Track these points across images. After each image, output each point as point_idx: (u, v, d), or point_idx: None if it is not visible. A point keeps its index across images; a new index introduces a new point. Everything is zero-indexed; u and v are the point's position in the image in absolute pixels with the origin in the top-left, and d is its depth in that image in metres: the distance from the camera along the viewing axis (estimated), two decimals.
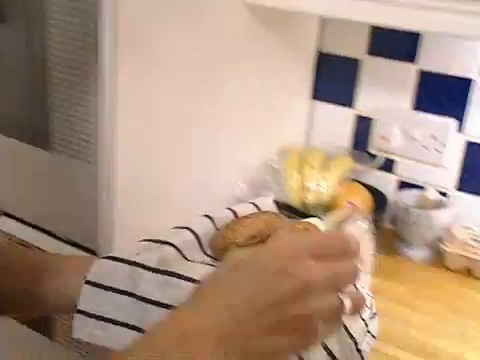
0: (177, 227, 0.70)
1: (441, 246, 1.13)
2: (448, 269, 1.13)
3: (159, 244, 0.66)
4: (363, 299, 0.54)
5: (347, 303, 0.50)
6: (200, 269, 0.63)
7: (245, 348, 0.46)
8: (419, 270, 1.14)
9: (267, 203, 0.78)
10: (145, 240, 0.68)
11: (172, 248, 0.66)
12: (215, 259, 0.69)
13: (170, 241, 0.66)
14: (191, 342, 0.45)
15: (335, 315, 0.50)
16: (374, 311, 0.67)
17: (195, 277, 0.61)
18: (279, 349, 0.47)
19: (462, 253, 1.10)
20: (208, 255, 0.70)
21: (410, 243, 1.16)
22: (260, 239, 0.66)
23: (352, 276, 0.51)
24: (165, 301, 0.60)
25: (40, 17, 0.87)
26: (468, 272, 1.11)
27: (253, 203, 0.77)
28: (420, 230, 1.13)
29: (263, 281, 0.47)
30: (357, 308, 0.52)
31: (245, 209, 0.74)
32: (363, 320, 0.64)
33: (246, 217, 0.70)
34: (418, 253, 1.16)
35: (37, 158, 0.97)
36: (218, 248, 0.68)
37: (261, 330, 0.46)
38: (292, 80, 1.27)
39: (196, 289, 0.51)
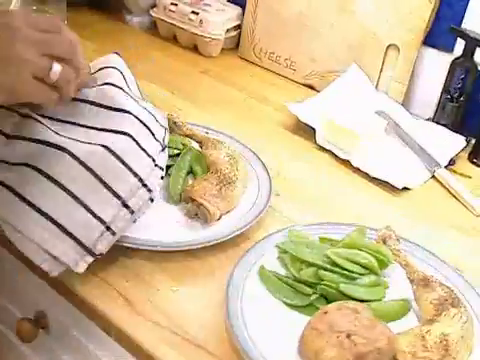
0: None
1: (150, 12, 1.23)
2: (160, 36, 1.25)
3: None
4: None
5: (56, 68, 0.62)
6: None
7: None
8: (134, 35, 1.26)
9: None
10: None
11: None
12: None
13: None
14: None
15: (43, 74, 0.62)
16: (165, 144, 0.73)
17: None
18: None
19: (167, 19, 1.21)
20: None
21: (131, 11, 1.27)
22: None
23: (65, 48, 0.64)
24: None
25: None
26: (195, 49, 1.23)
27: None
28: None
29: None
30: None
31: None
32: (150, 156, 0.68)
33: None
34: (137, 20, 1.27)
35: None
36: None
37: None
38: None
39: None
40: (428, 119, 1.02)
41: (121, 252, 0.71)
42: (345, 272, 0.68)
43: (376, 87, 1.06)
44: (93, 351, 0.75)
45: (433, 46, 1.01)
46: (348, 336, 0.57)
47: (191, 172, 0.85)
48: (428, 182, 0.92)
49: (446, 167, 0.93)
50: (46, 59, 0.62)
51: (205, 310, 0.66)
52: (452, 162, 0.95)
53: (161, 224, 0.75)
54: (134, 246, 0.70)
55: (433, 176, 0.92)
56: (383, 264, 0.70)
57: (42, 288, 0.73)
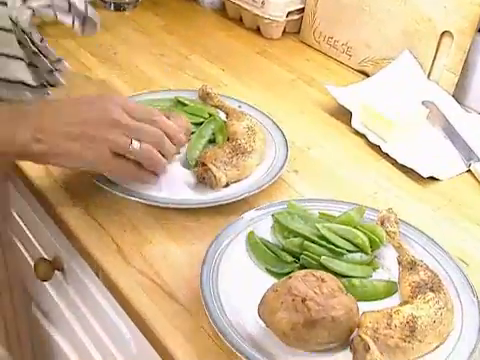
0: None
1: None
2: (228, 16, 1.28)
3: None
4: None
5: (136, 145, 0.69)
6: None
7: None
8: (204, 15, 1.30)
9: None
10: None
11: None
12: None
13: None
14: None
15: (123, 151, 0.69)
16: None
17: None
18: (72, 151, 0.67)
19: (233, 0, 1.24)
20: None
21: None
22: None
23: (151, 138, 0.71)
24: None
25: None
26: (258, 31, 1.25)
27: None
28: None
29: (88, 106, 0.69)
30: None
31: None
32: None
33: None
34: (209, 0, 1.32)
35: None
36: None
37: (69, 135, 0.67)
38: None
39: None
40: None
41: (124, 204, 0.75)
42: (332, 247, 0.67)
43: (428, 76, 1.02)
44: (95, 293, 0.81)
45: None
46: (303, 301, 0.56)
47: (214, 141, 0.87)
48: (462, 176, 0.87)
49: None
50: (126, 137, 0.68)
51: (188, 266, 0.68)
52: None
53: (170, 184, 0.78)
54: (134, 199, 0.74)
55: (469, 171, 0.88)
56: (376, 244, 0.69)
57: (57, 233, 0.80)
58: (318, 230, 0.68)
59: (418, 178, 0.85)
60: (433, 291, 0.60)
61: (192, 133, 0.85)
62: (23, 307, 1.20)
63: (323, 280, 0.59)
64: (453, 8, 0.97)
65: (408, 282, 0.62)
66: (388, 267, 0.68)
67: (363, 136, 0.93)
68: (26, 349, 1.30)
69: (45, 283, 0.92)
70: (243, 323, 0.60)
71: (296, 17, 1.22)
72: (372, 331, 0.57)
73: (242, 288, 0.64)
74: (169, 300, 0.64)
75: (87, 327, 0.89)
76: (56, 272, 0.86)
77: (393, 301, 0.64)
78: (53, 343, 1.06)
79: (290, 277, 0.59)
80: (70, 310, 0.91)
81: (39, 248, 0.95)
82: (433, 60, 1.01)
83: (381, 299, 0.64)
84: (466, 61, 0.97)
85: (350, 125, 0.95)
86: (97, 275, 0.70)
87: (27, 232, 1.01)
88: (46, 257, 0.88)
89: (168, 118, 0.77)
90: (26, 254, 1.05)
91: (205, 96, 0.93)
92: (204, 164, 0.78)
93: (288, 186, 0.82)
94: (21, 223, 1.03)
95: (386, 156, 0.89)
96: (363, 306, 0.61)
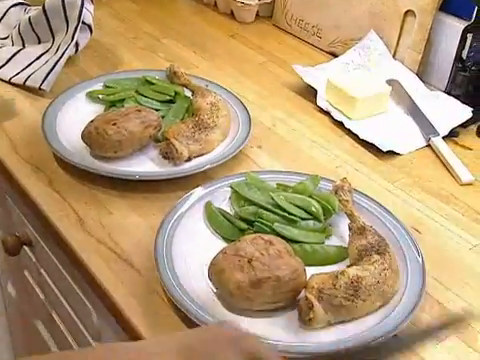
0: None
1: None
2: (203, 2, 1.30)
3: None
4: None
5: None
6: None
7: None
8: (179, 0, 1.32)
9: None
10: None
11: None
12: None
13: None
14: None
15: None
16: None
17: None
18: None
19: None
20: None
21: None
22: None
23: None
24: None
25: None
26: (232, 15, 1.27)
27: None
28: None
29: None
30: None
31: None
32: None
33: None
34: None
35: None
36: None
37: None
38: None
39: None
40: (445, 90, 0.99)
41: (86, 177, 0.77)
42: (286, 214, 0.69)
43: (394, 55, 1.04)
44: (60, 266, 0.83)
45: (451, 13, 0.97)
46: (249, 261, 0.58)
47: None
48: (421, 150, 0.89)
49: (447, 137, 0.90)
50: None
51: (147, 235, 0.70)
52: (455, 133, 0.91)
53: (134, 159, 0.80)
54: (96, 171, 0.76)
55: (429, 145, 0.90)
56: (329, 212, 0.71)
57: (23, 208, 0.81)
58: (273, 199, 0.70)
59: (378, 153, 0.87)
60: (379, 254, 0.62)
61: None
62: None
63: (271, 243, 0.61)
64: None
65: (356, 246, 0.64)
66: (341, 234, 0.70)
67: (328, 114, 0.95)
68: None
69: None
70: (195, 287, 0.62)
71: (269, 0, 1.24)
72: (317, 291, 0.59)
73: (196, 255, 0.66)
74: (126, 267, 0.66)
75: (55, 302, 0.90)
76: (25, 247, 0.88)
77: (344, 266, 0.66)
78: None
79: (239, 240, 0.61)
80: (38, 285, 0.93)
81: (7, 224, 0.97)
82: (398, 39, 1.03)
83: (332, 264, 0.66)
84: (428, 39, 0.99)
85: (316, 104, 0.97)
86: (59, 247, 0.71)
87: None
88: (15, 233, 0.90)
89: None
90: None
91: (172, 75, 0.94)
92: (167, 139, 0.80)
93: (251, 161, 0.84)
94: None
95: (349, 133, 0.91)
96: (315, 270, 0.63)
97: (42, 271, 0.89)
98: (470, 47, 0.92)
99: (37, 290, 0.94)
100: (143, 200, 0.76)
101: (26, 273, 0.96)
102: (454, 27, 0.97)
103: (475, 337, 0.61)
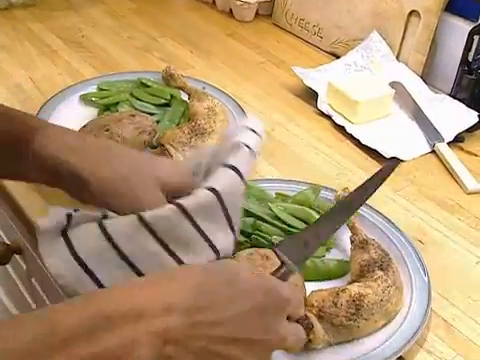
0: None
1: None
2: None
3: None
4: None
5: None
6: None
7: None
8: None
9: None
10: None
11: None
12: None
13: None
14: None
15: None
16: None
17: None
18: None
19: None
20: None
21: None
22: None
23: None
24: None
25: None
26: (231, 13, 1.23)
27: None
28: None
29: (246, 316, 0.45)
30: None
31: None
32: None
33: None
34: None
35: None
36: None
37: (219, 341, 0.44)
38: None
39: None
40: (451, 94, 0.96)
41: None
42: (284, 226, 0.66)
43: (398, 57, 1.01)
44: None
45: (457, 14, 0.94)
46: None
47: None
48: (426, 156, 0.86)
49: (452, 143, 0.87)
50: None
51: None
52: (460, 139, 0.88)
53: None
54: None
55: (433, 151, 0.87)
56: None
57: (13, 216, 0.79)
58: (272, 210, 0.68)
59: (381, 159, 0.84)
60: (382, 269, 0.59)
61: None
62: None
63: (267, 258, 0.58)
64: None
65: (358, 261, 0.61)
66: (343, 247, 0.68)
67: (329, 118, 0.92)
68: None
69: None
70: None
71: None
72: (317, 310, 0.56)
73: None
74: None
75: None
76: (15, 255, 0.85)
77: (346, 281, 0.63)
78: None
79: (234, 256, 0.58)
80: (29, 293, 0.90)
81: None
82: (402, 40, 1.00)
83: (333, 279, 0.64)
84: (433, 41, 0.96)
85: (316, 107, 0.94)
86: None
87: None
88: (6, 241, 0.87)
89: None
90: None
91: (168, 77, 0.91)
92: (162, 145, 0.77)
93: None
94: None
95: (350, 137, 0.88)
96: (315, 286, 0.61)
97: (33, 280, 0.86)
98: (476, 49, 0.89)
99: (28, 299, 0.91)
100: None
101: (17, 281, 0.93)
102: (460, 28, 0.93)
103: None
